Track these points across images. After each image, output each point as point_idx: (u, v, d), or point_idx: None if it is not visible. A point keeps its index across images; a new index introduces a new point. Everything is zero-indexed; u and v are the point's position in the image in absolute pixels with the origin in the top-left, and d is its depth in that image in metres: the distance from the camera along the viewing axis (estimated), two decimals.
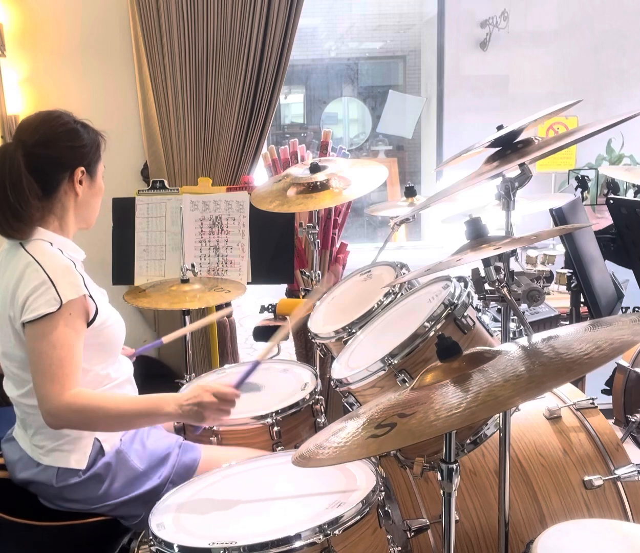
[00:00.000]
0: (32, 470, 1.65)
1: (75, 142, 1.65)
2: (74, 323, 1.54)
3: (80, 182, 1.66)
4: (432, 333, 1.43)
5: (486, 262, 1.40)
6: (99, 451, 1.65)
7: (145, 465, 1.68)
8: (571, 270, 2.59)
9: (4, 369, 1.68)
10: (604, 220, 3.61)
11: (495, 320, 2.67)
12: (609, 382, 2.79)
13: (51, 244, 1.62)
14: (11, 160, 1.57)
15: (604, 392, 2.86)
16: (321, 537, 1.21)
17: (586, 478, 1.67)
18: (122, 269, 2.79)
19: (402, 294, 1.83)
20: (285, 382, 2.04)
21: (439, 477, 1.18)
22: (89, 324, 1.60)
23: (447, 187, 1.65)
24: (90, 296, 1.59)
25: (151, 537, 1.31)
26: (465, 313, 1.47)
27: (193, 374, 2.34)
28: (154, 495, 1.48)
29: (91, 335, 1.61)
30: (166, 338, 2.09)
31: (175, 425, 1.91)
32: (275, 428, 1.80)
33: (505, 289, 1.41)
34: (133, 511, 1.67)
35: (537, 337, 1.21)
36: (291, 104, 8.30)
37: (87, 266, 1.73)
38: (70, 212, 1.68)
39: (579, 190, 3.03)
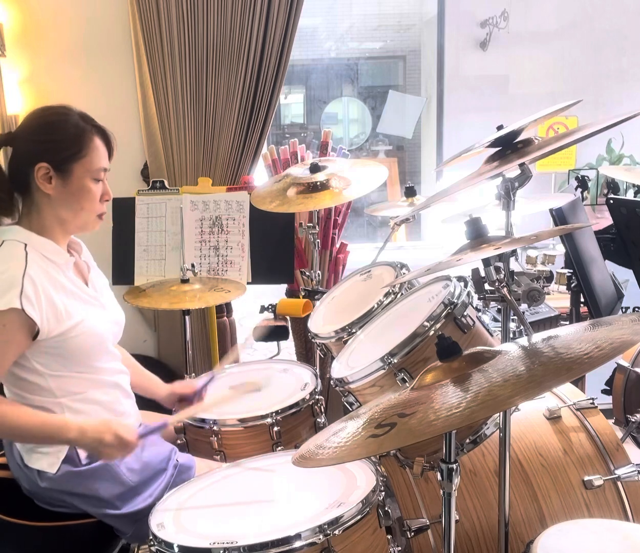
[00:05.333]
0: (22, 469, 1.65)
1: (41, 136, 1.59)
2: (5, 335, 1.48)
3: (50, 180, 1.58)
4: (431, 332, 1.43)
5: (486, 262, 1.40)
6: (76, 459, 1.62)
7: (137, 479, 1.65)
8: (571, 270, 2.59)
9: None
10: (604, 220, 3.61)
11: (495, 320, 2.67)
12: (609, 382, 2.79)
13: (25, 244, 1.57)
14: None
15: (604, 392, 2.86)
16: (321, 537, 1.21)
17: (586, 478, 1.67)
18: (122, 269, 2.79)
19: (402, 294, 1.83)
20: (285, 382, 2.04)
21: (439, 477, 1.18)
22: (35, 336, 1.53)
23: (447, 187, 1.65)
24: (24, 310, 1.48)
25: (151, 537, 1.31)
26: (465, 313, 1.47)
27: (193, 374, 2.33)
28: (143, 515, 1.45)
29: (47, 344, 1.56)
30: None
31: (175, 426, 1.91)
32: (275, 428, 1.80)
33: (505, 289, 1.41)
34: (122, 527, 1.65)
35: (537, 337, 1.21)
36: (291, 104, 8.30)
37: None
38: (45, 211, 1.61)
39: (579, 190, 3.03)
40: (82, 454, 1.63)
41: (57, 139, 1.59)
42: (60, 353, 1.59)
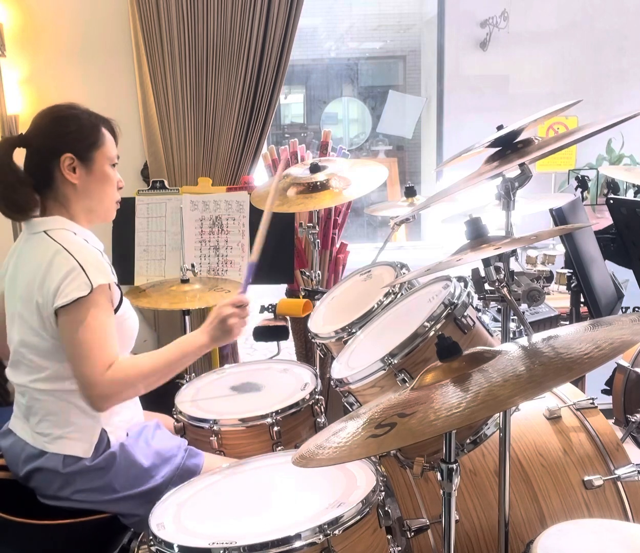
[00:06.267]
0: (36, 459, 1.65)
1: (61, 128, 1.66)
2: (105, 305, 1.58)
3: (74, 170, 1.65)
4: (432, 333, 1.43)
5: (486, 262, 1.40)
6: (106, 442, 1.66)
7: (150, 463, 1.68)
8: (571, 270, 2.59)
9: (18, 356, 1.67)
10: (604, 220, 3.61)
11: (495, 320, 2.67)
12: (609, 382, 2.79)
13: (75, 233, 1.64)
14: (4, 156, 1.63)
15: (604, 392, 2.86)
16: (321, 537, 1.21)
17: (586, 478, 1.67)
18: (122, 269, 2.79)
19: (402, 294, 1.83)
20: (285, 382, 2.04)
21: (439, 477, 1.18)
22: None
23: (447, 187, 1.65)
24: (117, 284, 1.63)
25: (151, 537, 1.31)
26: (465, 313, 1.47)
27: (193, 374, 2.33)
28: (155, 495, 1.49)
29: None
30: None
31: (175, 426, 1.91)
32: (275, 428, 1.80)
33: (505, 289, 1.41)
34: (134, 509, 1.67)
35: (537, 337, 1.21)
36: (291, 104, 8.31)
37: None
38: (72, 201, 1.68)
39: (579, 190, 3.02)
40: (112, 438, 1.66)
41: (76, 130, 1.67)
42: (118, 334, 1.65)
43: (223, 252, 2.75)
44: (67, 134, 1.65)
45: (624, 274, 2.86)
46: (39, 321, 1.59)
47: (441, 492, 1.19)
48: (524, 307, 2.05)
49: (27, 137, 1.68)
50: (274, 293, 3.02)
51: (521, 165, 1.42)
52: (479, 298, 1.48)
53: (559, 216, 2.39)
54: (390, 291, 1.83)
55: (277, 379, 2.07)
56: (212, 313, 1.74)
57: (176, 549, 1.25)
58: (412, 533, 1.52)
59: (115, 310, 1.63)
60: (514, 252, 1.44)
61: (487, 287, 1.43)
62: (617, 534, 1.37)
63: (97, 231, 1.79)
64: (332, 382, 1.65)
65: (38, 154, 1.66)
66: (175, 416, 1.93)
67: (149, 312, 3.17)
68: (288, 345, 3.20)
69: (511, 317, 1.57)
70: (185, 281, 2.36)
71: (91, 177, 1.68)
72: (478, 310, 1.58)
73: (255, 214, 2.68)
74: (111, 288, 1.60)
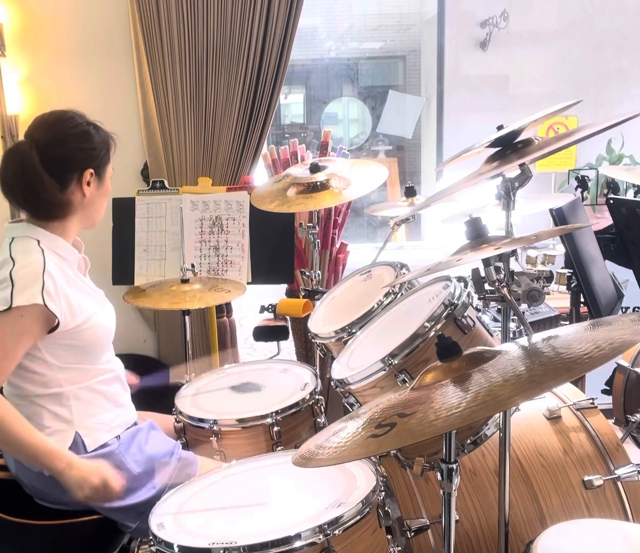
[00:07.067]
0: (23, 464, 1.66)
1: (86, 144, 1.68)
2: (22, 327, 1.52)
3: (88, 184, 1.68)
4: (432, 333, 1.43)
5: (486, 262, 1.40)
6: (81, 445, 1.65)
7: (141, 469, 1.68)
8: (571, 270, 2.59)
9: None
10: (604, 220, 3.60)
11: (495, 320, 2.67)
12: (609, 382, 2.79)
13: (39, 241, 1.63)
14: (28, 159, 1.61)
15: (604, 392, 2.86)
16: (321, 537, 1.21)
17: (586, 478, 1.67)
18: (122, 269, 2.79)
19: (402, 294, 1.83)
20: (285, 382, 2.04)
21: (439, 477, 1.18)
22: (52, 329, 1.58)
23: (447, 187, 1.65)
24: (46, 305, 1.53)
25: (151, 537, 1.31)
26: (465, 314, 1.47)
27: (193, 374, 2.33)
28: (147, 507, 1.47)
29: (62, 337, 1.61)
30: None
31: (175, 426, 1.91)
32: (275, 428, 1.80)
33: (505, 289, 1.41)
34: (126, 519, 1.67)
35: (537, 337, 1.21)
36: (291, 104, 8.29)
37: None
38: (75, 213, 1.70)
39: (579, 190, 3.02)
40: (87, 441, 1.66)
41: (98, 146, 1.70)
42: (73, 346, 1.64)
43: (223, 252, 2.75)
44: (93, 149, 1.69)
45: (624, 274, 2.86)
46: None
47: (441, 492, 1.19)
48: (524, 307, 2.05)
49: (44, 144, 1.63)
50: (274, 293, 3.02)
51: (521, 165, 1.42)
52: (479, 299, 1.48)
53: (559, 216, 2.39)
54: (390, 291, 1.83)
55: (277, 379, 2.07)
56: (92, 465, 1.57)
57: (176, 549, 1.25)
58: (412, 533, 1.52)
59: (55, 328, 1.58)
60: (514, 252, 1.44)
61: (487, 287, 1.43)
62: (617, 534, 1.37)
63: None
64: (332, 383, 1.65)
65: (57, 163, 1.64)
66: (175, 416, 1.93)
67: (149, 312, 3.18)
68: (288, 345, 3.20)
69: (511, 317, 1.58)
70: (185, 281, 2.36)
71: (99, 191, 1.73)
72: (478, 310, 1.58)
73: (255, 214, 2.68)
74: (43, 308, 1.53)
